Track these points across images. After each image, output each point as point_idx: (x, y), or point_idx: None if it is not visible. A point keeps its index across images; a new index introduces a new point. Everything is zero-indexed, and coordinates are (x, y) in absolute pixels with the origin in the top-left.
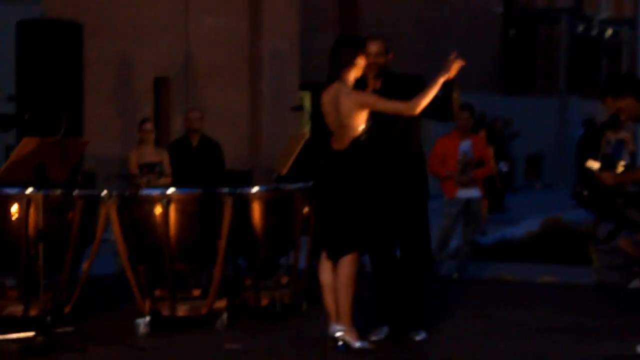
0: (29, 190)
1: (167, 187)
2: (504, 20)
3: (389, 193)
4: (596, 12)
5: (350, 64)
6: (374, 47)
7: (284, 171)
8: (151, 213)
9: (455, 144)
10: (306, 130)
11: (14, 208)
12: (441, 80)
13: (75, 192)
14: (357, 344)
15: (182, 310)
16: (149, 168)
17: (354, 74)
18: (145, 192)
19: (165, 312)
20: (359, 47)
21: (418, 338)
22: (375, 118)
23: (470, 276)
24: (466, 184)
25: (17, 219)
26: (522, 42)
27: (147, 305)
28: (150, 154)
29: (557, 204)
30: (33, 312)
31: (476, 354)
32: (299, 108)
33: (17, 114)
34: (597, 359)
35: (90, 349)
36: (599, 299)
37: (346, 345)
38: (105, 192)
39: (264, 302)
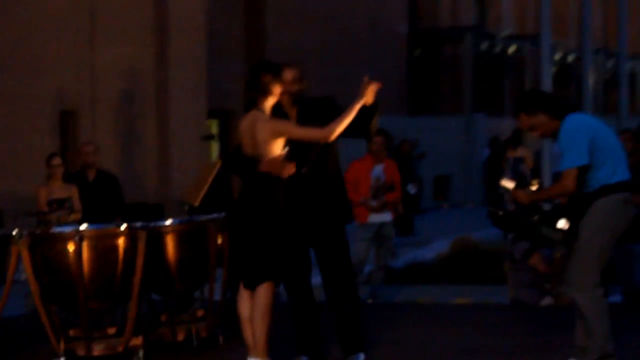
0: None
1: (79, 224)
2: (408, 41)
3: (306, 217)
4: (499, 29)
5: (267, 91)
6: (289, 75)
7: (196, 202)
8: (64, 251)
9: (369, 169)
10: (216, 159)
11: None
12: (357, 106)
13: None
14: None
15: (97, 350)
16: (59, 204)
17: (271, 101)
18: (57, 229)
19: (81, 351)
20: (276, 74)
21: None
22: (291, 143)
23: (384, 301)
24: (379, 208)
25: None
26: (427, 61)
27: (61, 345)
28: (59, 189)
29: (466, 224)
30: None
31: None
32: (209, 137)
33: None
34: None
35: None
36: (514, 317)
37: None
38: (16, 230)
39: (181, 336)
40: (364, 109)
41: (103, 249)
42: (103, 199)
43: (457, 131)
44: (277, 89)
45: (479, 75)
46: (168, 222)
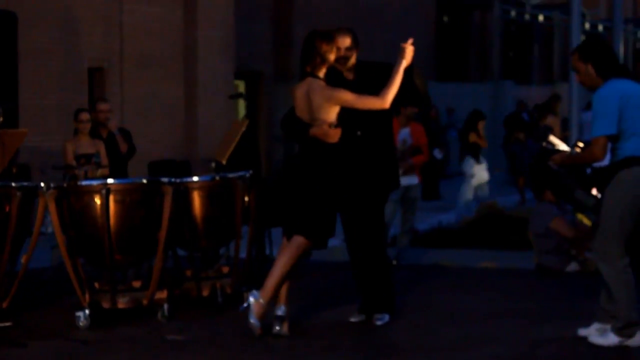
0: None
1: (106, 178)
2: (437, 7)
3: (356, 182)
4: None
5: (323, 59)
6: (344, 41)
7: (224, 160)
8: (90, 204)
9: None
10: (243, 118)
11: None
12: (402, 69)
13: (13, 184)
14: (252, 320)
15: (122, 302)
16: (86, 159)
17: (325, 68)
18: (84, 183)
19: (106, 304)
20: (330, 42)
21: (379, 322)
22: (346, 108)
23: (409, 263)
24: (405, 171)
25: None
26: (455, 28)
27: (86, 297)
28: (87, 144)
29: (492, 189)
30: None
31: (426, 340)
32: (238, 96)
33: None
34: (541, 342)
35: (31, 344)
36: (539, 283)
37: (247, 308)
38: (43, 183)
39: (205, 292)
40: (405, 71)
41: (129, 203)
42: (117, 156)
43: (485, 98)
44: (331, 57)
45: (508, 42)
46: (195, 178)
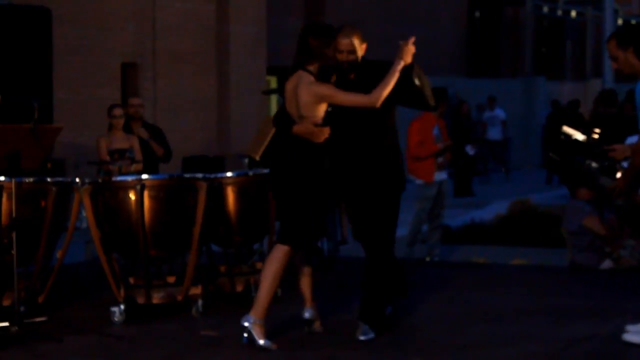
0: (2, 178)
1: (140, 174)
2: (469, 3)
3: (357, 186)
4: None
5: (314, 56)
6: (345, 45)
7: (257, 156)
8: (125, 199)
9: (432, 127)
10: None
11: None
12: (398, 68)
13: (49, 180)
14: (261, 343)
15: (157, 298)
16: (120, 154)
17: (317, 64)
18: (119, 178)
19: (141, 299)
20: (326, 41)
21: (362, 337)
22: (337, 107)
23: (441, 260)
24: (438, 167)
25: None
26: (487, 23)
27: (121, 293)
28: (120, 140)
29: (524, 186)
30: (6, 302)
31: (456, 336)
32: (272, 91)
33: None
34: (576, 340)
35: (66, 338)
36: (573, 280)
37: (250, 339)
38: (78, 179)
39: (239, 287)
40: (404, 71)
41: (164, 198)
42: (150, 151)
43: (517, 94)
44: (328, 52)
45: (540, 38)
46: (229, 174)
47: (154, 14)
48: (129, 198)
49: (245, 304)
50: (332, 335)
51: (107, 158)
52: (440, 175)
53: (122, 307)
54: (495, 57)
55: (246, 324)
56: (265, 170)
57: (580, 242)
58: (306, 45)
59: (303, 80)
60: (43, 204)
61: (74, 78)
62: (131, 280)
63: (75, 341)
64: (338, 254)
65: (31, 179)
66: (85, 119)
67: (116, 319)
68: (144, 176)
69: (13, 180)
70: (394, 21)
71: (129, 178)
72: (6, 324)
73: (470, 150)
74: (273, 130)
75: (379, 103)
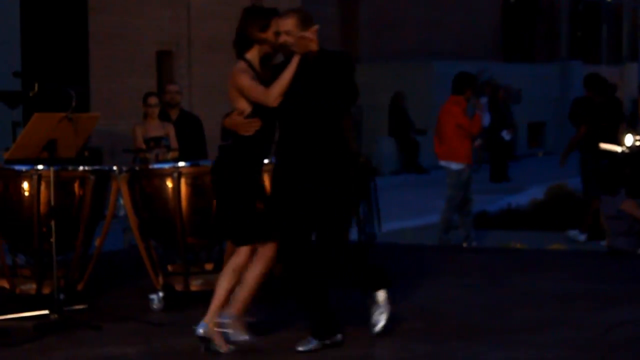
0: (40, 166)
1: (177, 161)
2: None
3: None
4: None
5: (254, 40)
6: (284, 24)
7: None
8: (162, 187)
9: (462, 110)
10: None
11: (26, 185)
12: (295, 60)
13: (87, 168)
14: (242, 338)
15: (195, 285)
16: (156, 142)
17: (256, 52)
18: (156, 166)
19: (179, 286)
20: (263, 22)
21: (300, 348)
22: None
23: (478, 245)
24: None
25: (28, 196)
26: (522, 8)
27: (159, 280)
28: (156, 128)
29: (560, 171)
30: (46, 290)
31: (496, 321)
32: None
33: (23, 91)
34: (614, 325)
35: (105, 326)
36: (611, 265)
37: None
38: (115, 167)
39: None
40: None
41: (201, 186)
42: (186, 139)
43: (552, 78)
44: (268, 36)
45: (576, 22)
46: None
47: (189, 1)
48: (166, 186)
49: (282, 290)
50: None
51: (143, 146)
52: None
53: (160, 294)
54: (530, 41)
55: (224, 320)
56: None
57: (618, 227)
58: (243, 31)
59: (235, 67)
60: (81, 192)
61: (110, 66)
62: (169, 268)
63: (114, 328)
64: (374, 244)
65: (69, 168)
66: (121, 107)
67: (154, 307)
68: (181, 164)
69: (52, 169)
70: (430, 6)
71: (166, 166)
72: (46, 312)
73: (506, 135)
74: None
75: (273, 101)
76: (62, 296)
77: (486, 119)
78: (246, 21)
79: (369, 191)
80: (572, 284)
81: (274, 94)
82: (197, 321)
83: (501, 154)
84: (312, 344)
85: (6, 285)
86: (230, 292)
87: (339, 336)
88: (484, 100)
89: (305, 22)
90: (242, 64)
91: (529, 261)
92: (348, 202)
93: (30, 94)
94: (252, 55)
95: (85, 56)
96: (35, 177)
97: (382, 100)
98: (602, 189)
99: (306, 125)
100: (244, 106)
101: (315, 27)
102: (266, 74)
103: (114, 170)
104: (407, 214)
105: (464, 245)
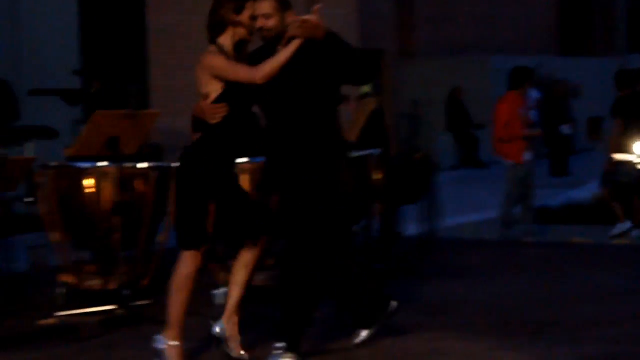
0: (103, 163)
1: None
2: None
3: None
4: None
5: (221, 22)
6: (261, 7)
7: (354, 138)
8: None
9: (517, 108)
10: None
11: (89, 182)
12: (294, 43)
13: (149, 165)
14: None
15: (257, 280)
16: None
17: (233, 36)
18: None
19: None
20: (236, 4)
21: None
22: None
23: (539, 240)
24: (527, 147)
25: (92, 193)
26: (579, 1)
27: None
28: None
29: None
30: (111, 286)
31: (562, 316)
32: None
33: (83, 88)
34: None
35: None
36: None
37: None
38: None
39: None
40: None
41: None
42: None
43: (611, 72)
44: (242, 19)
45: (634, 14)
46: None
47: None
48: None
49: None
50: (435, 317)
51: None
52: (529, 155)
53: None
54: (588, 35)
55: (218, 328)
56: (363, 152)
57: None
58: (216, 13)
59: (205, 53)
60: (144, 188)
61: (169, 64)
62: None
63: None
64: (434, 239)
65: (132, 165)
66: (181, 104)
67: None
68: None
69: (115, 166)
70: (486, 0)
71: None
72: (112, 307)
73: (565, 129)
74: (369, 111)
75: (260, 78)
76: (127, 292)
77: (533, 115)
78: (219, 2)
79: (430, 187)
80: (635, 279)
81: (264, 71)
82: (259, 317)
83: (561, 149)
84: (364, 334)
85: (72, 281)
86: (245, 285)
87: (395, 303)
88: (536, 95)
89: (284, 4)
90: (213, 48)
91: (592, 256)
92: (335, 196)
93: (92, 91)
94: (225, 40)
95: (144, 54)
96: (98, 174)
97: (439, 95)
98: None
99: (297, 114)
100: (212, 91)
101: (317, 7)
102: (240, 61)
103: (175, 167)
104: (466, 209)
105: (525, 240)
